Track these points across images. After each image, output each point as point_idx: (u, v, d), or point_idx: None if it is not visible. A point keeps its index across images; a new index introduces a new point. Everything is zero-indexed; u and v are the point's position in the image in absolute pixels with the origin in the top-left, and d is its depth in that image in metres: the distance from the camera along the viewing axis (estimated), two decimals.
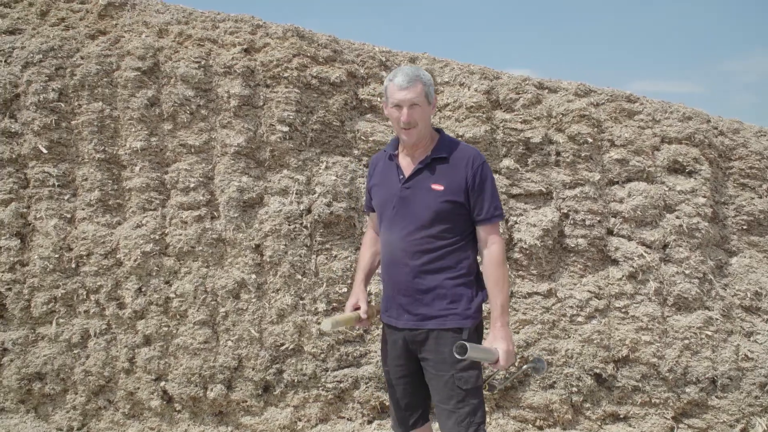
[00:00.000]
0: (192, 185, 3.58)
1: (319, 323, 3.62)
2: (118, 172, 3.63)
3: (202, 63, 3.60)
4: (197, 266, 3.58)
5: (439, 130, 2.39)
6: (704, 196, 3.76)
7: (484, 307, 2.64)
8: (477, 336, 2.31)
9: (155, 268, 3.56)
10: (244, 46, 3.65)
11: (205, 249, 3.57)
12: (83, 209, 3.59)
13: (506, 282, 2.24)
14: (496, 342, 2.18)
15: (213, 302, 3.58)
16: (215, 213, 3.61)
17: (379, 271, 2.52)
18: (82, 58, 3.59)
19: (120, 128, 3.62)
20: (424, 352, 2.30)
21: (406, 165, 2.36)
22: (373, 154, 3.79)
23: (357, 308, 2.47)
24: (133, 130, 3.59)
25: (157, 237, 3.56)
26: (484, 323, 2.60)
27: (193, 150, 3.60)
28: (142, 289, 3.57)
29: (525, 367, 2.66)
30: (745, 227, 3.95)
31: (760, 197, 3.95)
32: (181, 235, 3.56)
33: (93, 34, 3.66)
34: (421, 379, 2.37)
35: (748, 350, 3.77)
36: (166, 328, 3.58)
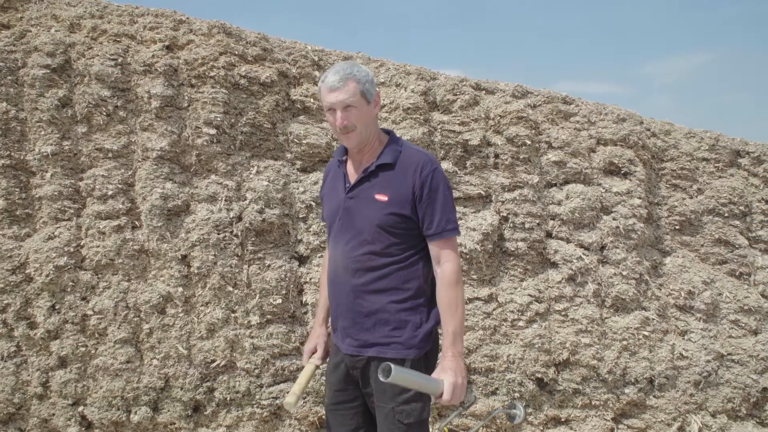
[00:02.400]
0: (110, 193, 3.31)
1: (252, 337, 3.43)
2: (27, 179, 3.32)
3: (119, 60, 3.34)
4: (117, 280, 3.32)
5: (388, 132, 2.20)
6: (639, 197, 3.78)
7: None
8: (426, 366, 2.11)
9: (70, 283, 3.27)
10: (166, 43, 3.41)
11: (126, 261, 3.31)
12: None
13: (460, 305, 2.01)
14: (443, 373, 1.94)
15: (135, 318, 3.32)
16: (136, 222, 3.36)
17: None
18: None
19: (27, 131, 3.30)
20: (365, 381, 2.14)
21: (353, 172, 2.17)
22: (308, 158, 3.62)
23: (314, 352, 2.30)
24: (43, 133, 3.28)
25: (71, 249, 3.28)
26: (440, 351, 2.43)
27: (110, 155, 3.33)
28: (56, 307, 3.27)
29: (498, 411, 2.37)
30: (677, 227, 4.01)
31: (691, 197, 4.02)
32: (98, 246, 3.29)
33: None
34: (361, 408, 2.21)
35: (683, 349, 3.82)
36: (83, 348, 3.29)
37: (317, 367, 2.26)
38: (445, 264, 2.05)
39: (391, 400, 2.05)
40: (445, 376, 1.92)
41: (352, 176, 2.16)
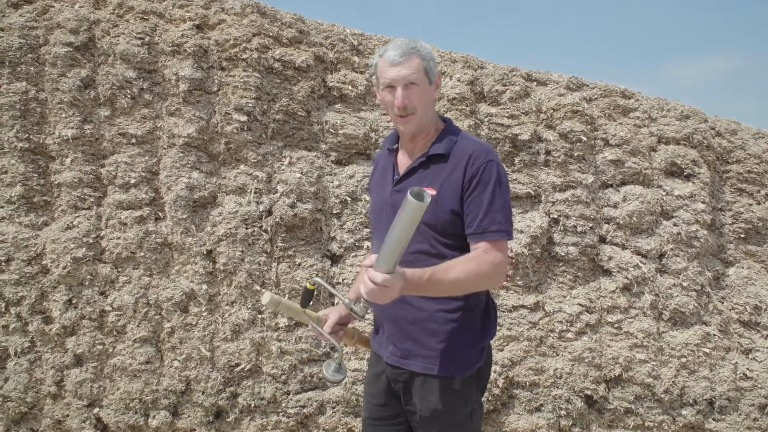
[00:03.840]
0: (133, 181, 3.13)
1: (280, 340, 3.20)
2: (45, 164, 3.14)
3: (146, 40, 3.15)
4: (138, 275, 3.12)
5: (446, 120, 1.94)
6: (703, 202, 3.46)
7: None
8: (477, 384, 1.85)
9: (88, 276, 3.08)
10: (196, 22, 3.21)
11: (148, 255, 3.12)
12: (2, 207, 3.10)
13: (461, 282, 1.65)
14: (396, 275, 1.51)
15: (156, 316, 3.13)
16: (160, 213, 3.17)
17: None
18: (2, 30, 3.08)
19: (48, 113, 3.12)
20: (407, 398, 1.88)
21: (404, 162, 1.92)
22: (343, 149, 3.38)
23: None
24: (64, 115, 3.10)
25: (90, 240, 3.09)
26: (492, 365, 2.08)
27: (134, 140, 3.15)
28: (73, 301, 3.09)
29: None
30: (742, 236, 3.68)
31: (759, 203, 3.68)
32: (119, 238, 3.10)
33: (16, 2, 3.15)
34: (403, 426, 1.94)
35: (747, 369, 3.49)
36: (100, 347, 3.10)
37: (318, 319, 1.94)
38: (485, 252, 1.72)
39: (437, 423, 1.80)
40: (397, 276, 1.51)
41: (403, 167, 1.91)
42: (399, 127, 1.86)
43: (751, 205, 3.67)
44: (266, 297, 1.84)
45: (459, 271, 1.66)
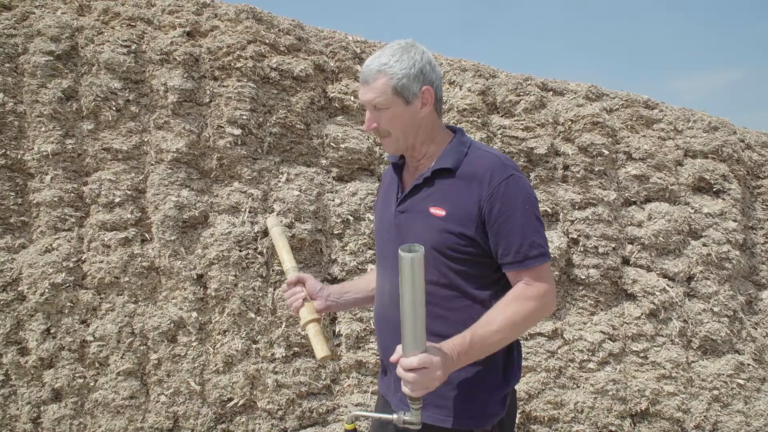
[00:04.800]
0: (117, 200, 2.90)
1: (276, 372, 2.96)
2: (23, 182, 2.91)
3: (133, 48, 2.94)
4: (122, 301, 2.90)
5: (455, 130, 1.70)
6: (735, 220, 3.21)
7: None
8: None
9: (68, 303, 2.85)
10: (187, 29, 3.01)
11: (133, 280, 2.89)
12: None
13: (518, 326, 1.46)
14: (433, 348, 1.34)
15: (142, 347, 2.89)
16: (147, 235, 2.95)
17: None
18: None
19: (26, 127, 2.90)
20: None
21: (408, 179, 1.69)
22: (345, 165, 3.15)
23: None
24: (44, 129, 2.88)
25: (71, 264, 2.86)
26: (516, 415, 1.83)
27: (119, 156, 2.93)
28: (51, 331, 2.85)
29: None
30: None
31: None
32: (102, 262, 2.87)
33: None
34: None
35: None
36: (81, 380, 2.86)
37: (297, 279, 1.75)
38: (527, 284, 1.52)
39: None
40: (433, 351, 1.32)
41: (407, 185, 1.69)
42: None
43: None
44: (272, 220, 1.79)
45: (504, 320, 1.45)
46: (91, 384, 2.87)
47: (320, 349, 1.61)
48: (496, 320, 1.45)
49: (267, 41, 3.04)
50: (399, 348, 1.34)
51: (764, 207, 3.43)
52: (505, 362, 1.61)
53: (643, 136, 3.23)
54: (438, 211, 1.54)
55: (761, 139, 3.49)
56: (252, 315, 2.94)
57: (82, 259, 2.88)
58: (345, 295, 1.85)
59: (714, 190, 3.26)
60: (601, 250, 3.13)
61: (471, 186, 1.53)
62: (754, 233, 3.41)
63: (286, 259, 1.77)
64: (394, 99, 1.55)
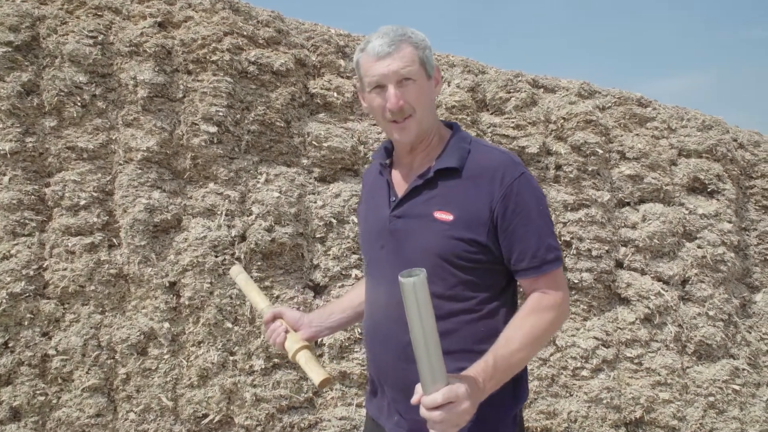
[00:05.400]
0: (83, 202, 2.71)
1: (255, 386, 2.79)
2: None
3: (100, 39, 2.76)
4: (88, 312, 2.70)
5: (451, 126, 1.57)
6: (729, 221, 3.13)
7: None
8: None
9: (28, 315, 2.65)
10: (158, 19, 2.83)
11: (100, 289, 2.71)
12: None
13: (539, 341, 1.36)
14: (455, 380, 1.20)
15: (109, 361, 2.71)
16: (114, 240, 2.76)
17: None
18: None
19: None
20: None
21: (400, 180, 1.54)
22: (328, 164, 2.99)
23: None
24: (1, 126, 2.70)
25: (31, 273, 2.66)
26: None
27: (85, 155, 2.74)
28: (9, 345, 2.65)
29: None
30: None
31: None
32: (65, 269, 2.68)
33: None
34: None
35: None
36: (42, 398, 2.67)
37: (272, 317, 1.65)
38: (544, 293, 1.40)
39: None
40: (457, 384, 1.18)
41: (400, 186, 1.53)
42: (394, 135, 1.48)
43: None
44: (236, 270, 1.75)
45: (524, 336, 1.34)
46: (54, 402, 2.68)
47: (317, 374, 1.47)
48: (516, 337, 1.33)
49: (245, 33, 2.88)
50: (418, 387, 1.19)
51: (757, 208, 3.37)
52: (514, 379, 1.47)
53: (637, 134, 3.14)
54: (444, 216, 1.40)
55: (753, 138, 3.42)
56: (229, 325, 2.76)
57: (44, 266, 2.69)
58: (330, 317, 1.71)
59: (708, 190, 3.18)
60: (594, 253, 3.02)
61: (480, 186, 1.39)
62: (747, 234, 3.34)
63: (258, 300, 1.69)
64: (420, 71, 1.43)
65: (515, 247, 1.38)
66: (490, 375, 1.27)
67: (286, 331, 1.61)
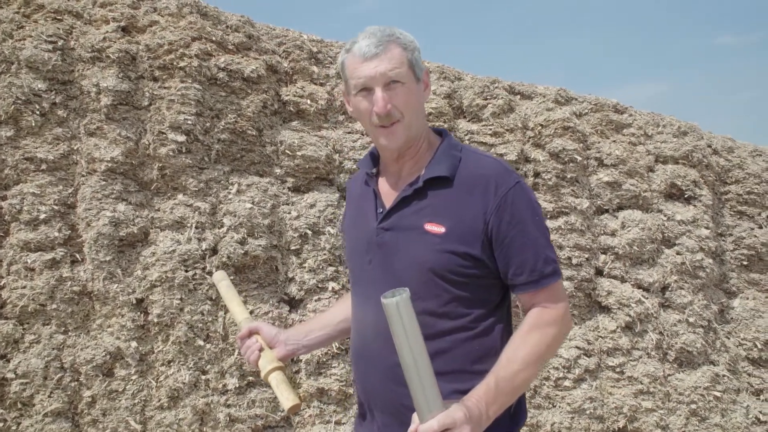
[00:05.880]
0: (43, 216, 2.60)
1: (229, 405, 2.69)
2: None
3: (60, 44, 2.65)
4: (49, 332, 2.58)
5: (441, 132, 1.50)
6: (707, 227, 3.14)
7: None
8: None
9: None
10: (122, 23, 2.74)
11: (62, 307, 2.58)
12: None
13: (541, 358, 1.31)
14: (453, 405, 1.17)
15: (73, 383, 2.59)
16: (77, 255, 2.65)
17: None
18: None
19: None
20: None
21: (388, 191, 1.46)
22: (302, 174, 2.90)
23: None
24: None
25: None
26: None
27: (44, 166, 2.63)
28: None
29: None
30: (745, 263, 3.37)
31: (761, 227, 3.38)
32: (24, 287, 2.55)
33: None
34: None
35: (759, 412, 3.15)
36: (0, 424, 2.55)
37: (248, 333, 1.58)
38: (544, 308, 1.34)
39: None
40: (454, 408, 1.14)
41: (388, 196, 1.45)
42: (380, 141, 1.41)
43: (752, 229, 3.38)
44: (219, 275, 1.69)
45: (526, 355, 1.28)
46: (13, 428, 2.54)
47: (286, 399, 1.41)
48: (519, 357, 1.27)
49: (214, 38, 2.80)
50: (414, 417, 1.12)
51: (732, 213, 3.38)
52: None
53: (614, 141, 3.13)
54: (436, 228, 1.33)
55: (727, 144, 3.45)
56: (200, 342, 2.66)
57: (1, 284, 2.56)
58: (309, 334, 1.62)
59: (686, 196, 3.19)
60: (574, 261, 2.99)
61: (473, 196, 1.33)
62: (723, 240, 3.35)
63: (237, 312, 1.62)
64: (409, 74, 1.37)
65: (512, 261, 1.33)
66: (492, 399, 1.21)
67: (261, 349, 1.54)
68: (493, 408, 1.22)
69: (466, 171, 1.37)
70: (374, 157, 1.53)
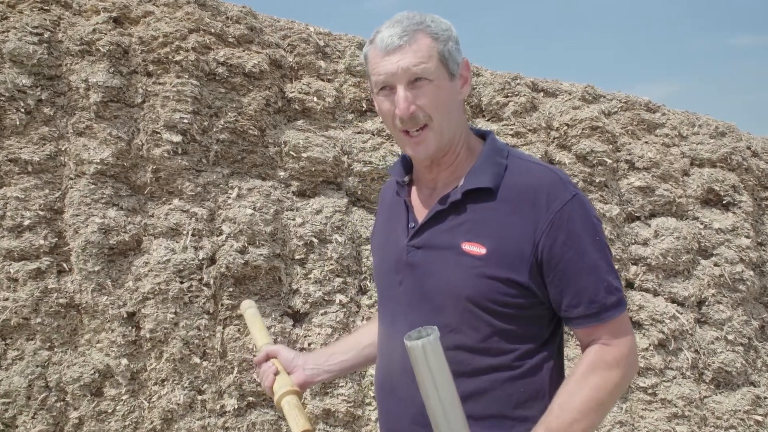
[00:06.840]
0: (27, 222, 2.52)
1: (227, 428, 2.60)
2: None
3: (46, 36, 2.56)
4: (33, 348, 2.49)
5: (484, 134, 1.32)
6: (747, 236, 2.97)
7: None
8: None
9: None
10: (113, 14, 2.65)
11: (47, 321, 2.50)
12: None
13: (603, 407, 1.14)
14: None
15: (59, 403, 2.50)
16: (64, 265, 2.56)
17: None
18: None
19: None
20: None
21: (421, 203, 1.30)
22: (308, 177, 2.75)
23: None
24: None
25: None
26: None
27: (29, 168, 2.55)
28: None
29: None
30: None
31: None
32: (7, 299, 2.47)
33: None
34: None
35: None
36: None
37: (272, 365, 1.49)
38: (605, 345, 1.16)
39: None
40: None
41: (420, 210, 1.30)
42: (406, 150, 1.26)
43: None
44: (246, 303, 1.67)
45: (585, 401, 1.12)
46: None
47: (296, 424, 1.33)
48: (574, 404, 1.10)
49: (212, 31, 2.73)
50: None
51: None
52: None
53: (646, 142, 2.95)
54: (475, 249, 1.17)
55: (767, 145, 3.22)
56: (196, 360, 2.57)
57: None
58: (331, 358, 1.48)
59: (724, 202, 3.02)
60: None
61: (520, 212, 1.16)
62: (765, 250, 3.14)
63: (258, 337, 1.58)
64: (440, 69, 1.19)
65: (567, 290, 1.14)
66: None
67: (276, 373, 1.45)
68: None
69: (512, 181, 1.19)
70: (406, 163, 1.36)
